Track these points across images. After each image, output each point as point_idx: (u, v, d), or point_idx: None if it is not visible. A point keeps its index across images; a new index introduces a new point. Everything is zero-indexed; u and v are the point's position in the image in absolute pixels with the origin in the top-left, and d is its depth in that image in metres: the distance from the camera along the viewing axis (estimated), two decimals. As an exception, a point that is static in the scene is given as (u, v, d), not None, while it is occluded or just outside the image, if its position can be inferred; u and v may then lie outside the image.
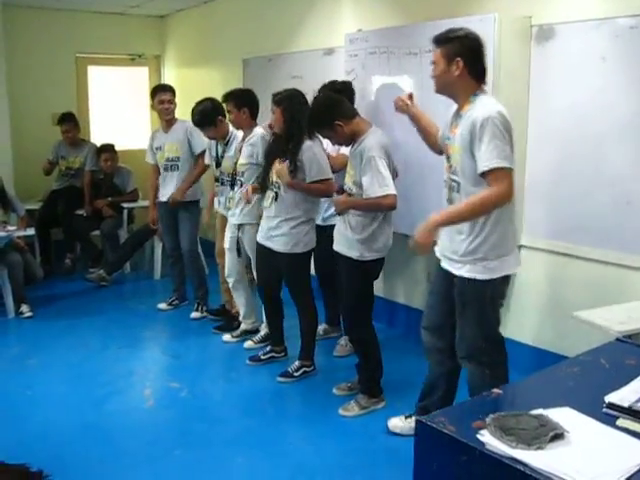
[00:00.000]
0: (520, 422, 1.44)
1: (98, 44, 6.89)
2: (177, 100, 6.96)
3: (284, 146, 3.66)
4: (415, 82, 3.93)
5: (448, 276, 2.82)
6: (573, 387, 1.74)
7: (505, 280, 2.76)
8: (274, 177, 3.72)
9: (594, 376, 1.82)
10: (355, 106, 4.10)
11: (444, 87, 2.76)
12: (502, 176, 2.49)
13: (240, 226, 4.22)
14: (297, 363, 3.84)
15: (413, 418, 3.12)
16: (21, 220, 5.33)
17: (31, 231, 5.16)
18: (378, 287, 4.18)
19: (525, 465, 1.33)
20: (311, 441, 3.21)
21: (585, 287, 3.47)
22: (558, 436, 1.41)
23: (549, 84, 3.57)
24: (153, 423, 3.38)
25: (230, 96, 4.18)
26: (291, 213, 3.69)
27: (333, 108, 3.28)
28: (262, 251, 3.89)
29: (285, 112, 3.62)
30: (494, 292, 2.75)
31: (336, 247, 3.40)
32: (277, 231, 3.73)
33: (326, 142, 3.71)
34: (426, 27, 3.87)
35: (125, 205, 6.31)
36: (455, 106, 2.82)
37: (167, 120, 5.04)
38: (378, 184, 3.11)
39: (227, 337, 4.54)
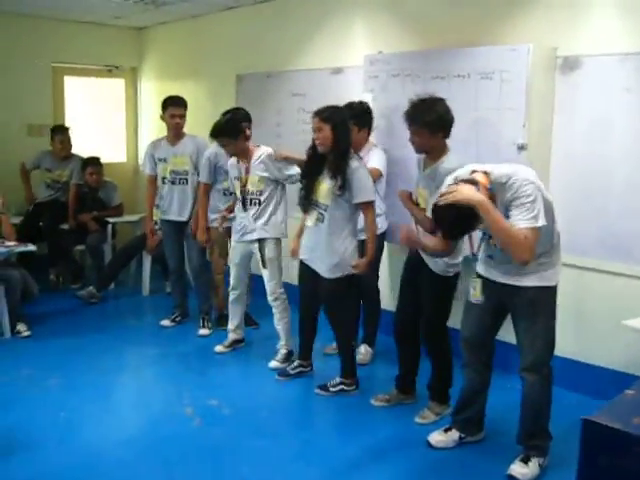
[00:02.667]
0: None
1: (75, 54, 6.73)
2: (155, 115, 6.97)
3: (332, 165, 3.65)
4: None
5: (496, 291, 2.99)
6: None
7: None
8: (318, 197, 3.74)
9: None
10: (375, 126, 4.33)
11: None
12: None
13: (260, 240, 4.26)
14: (337, 379, 3.91)
15: (454, 430, 3.28)
16: None
17: (32, 247, 4.98)
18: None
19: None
20: (374, 450, 3.28)
21: (604, 299, 3.75)
22: None
23: (573, 111, 3.83)
24: (209, 443, 3.35)
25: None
26: (336, 233, 3.71)
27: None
28: (305, 270, 3.93)
29: (336, 130, 3.63)
30: (556, 298, 2.97)
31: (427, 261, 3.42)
32: (320, 253, 3.77)
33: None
34: (456, 53, 4.10)
35: (110, 220, 6.18)
36: None
37: (176, 133, 4.98)
38: None
39: (219, 348, 4.58)
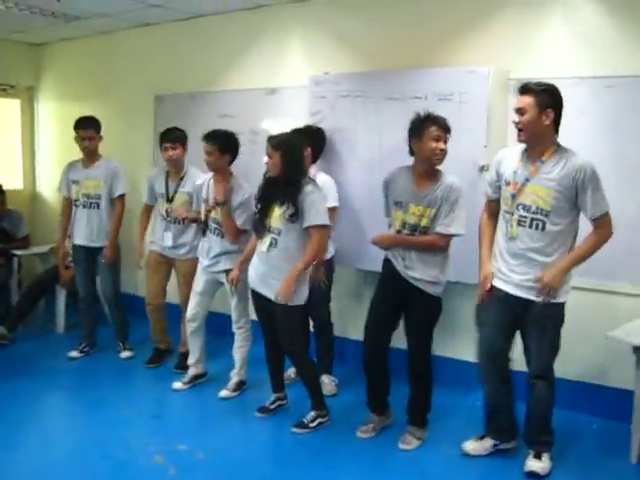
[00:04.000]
0: None
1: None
2: (55, 138, 6.48)
3: (282, 191, 3.56)
4: (399, 125, 4.08)
5: (510, 305, 3.12)
6: None
7: None
8: (272, 222, 3.61)
9: None
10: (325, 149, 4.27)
11: (530, 133, 3.03)
12: (609, 219, 2.89)
13: (227, 271, 4.09)
14: (312, 414, 3.74)
15: (488, 439, 3.38)
16: None
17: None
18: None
19: None
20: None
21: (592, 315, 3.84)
22: None
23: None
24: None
25: (216, 137, 4.01)
26: (289, 260, 3.57)
27: None
28: (259, 299, 3.74)
29: (284, 156, 3.54)
30: (564, 313, 3.10)
31: (415, 282, 3.39)
32: (273, 279, 3.60)
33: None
34: (412, 74, 4.12)
35: (17, 252, 5.61)
36: (507, 150, 3.20)
37: (89, 156, 4.76)
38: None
39: (178, 385, 4.32)
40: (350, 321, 4.70)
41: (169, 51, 5.59)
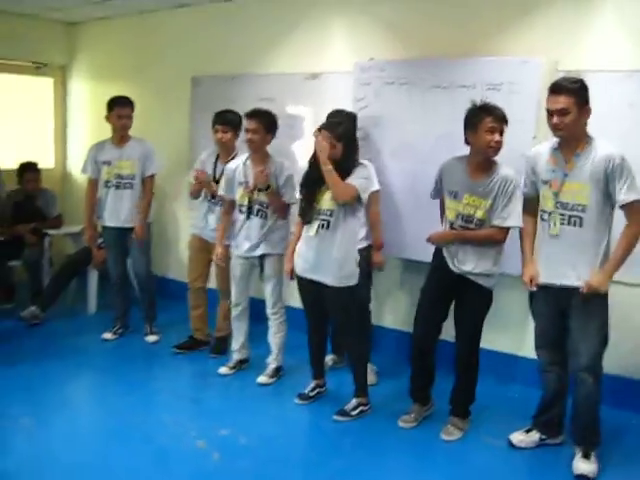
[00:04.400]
0: None
1: (-1, 47, 6.03)
2: (88, 118, 6.46)
3: (341, 173, 3.53)
4: (445, 115, 4.05)
5: (558, 297, 3.12)
6: None
7: None
8: (323, 204, 3.60)
9: None
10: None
11: (572, 133, 3.00)
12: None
13: (262, 257, 4.09)
14: (354, 401, 3.74)
15: (534, 432, 3.38)
16: None
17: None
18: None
19: None
20: (423, 472, 3.18)
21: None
22: None
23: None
24: (241, 478, 3.07)
25: (261, 115, 4.01)
26: (344, 238, 3.59)
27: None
28: (307, 284, 3.74)
29: (344, 141, 3.54)
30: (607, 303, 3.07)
31: (469, 275, 3.38)
32: (327, 261, 3.60)
33: None
34: (461, 63, 4.06)
35: (49, 232, 5.61)
36: (540, 147, 3.22)
37: (122, 135, 4.71)
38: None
39: (224, 370, 4.31)
40: (386, 310, 4.69)
41: (206, 33, 5.53)
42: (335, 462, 3.25)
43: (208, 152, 4.62)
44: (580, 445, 3.16)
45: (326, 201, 3.59)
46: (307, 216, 3.67)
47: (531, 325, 3.42)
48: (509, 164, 3.70)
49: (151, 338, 4.91)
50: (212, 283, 4.71)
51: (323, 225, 3.59)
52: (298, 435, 3.62)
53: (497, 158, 3.36)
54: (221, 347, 4.62)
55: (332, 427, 3.62)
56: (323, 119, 3.89)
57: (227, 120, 4.39)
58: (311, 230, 3.64)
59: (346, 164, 3.55)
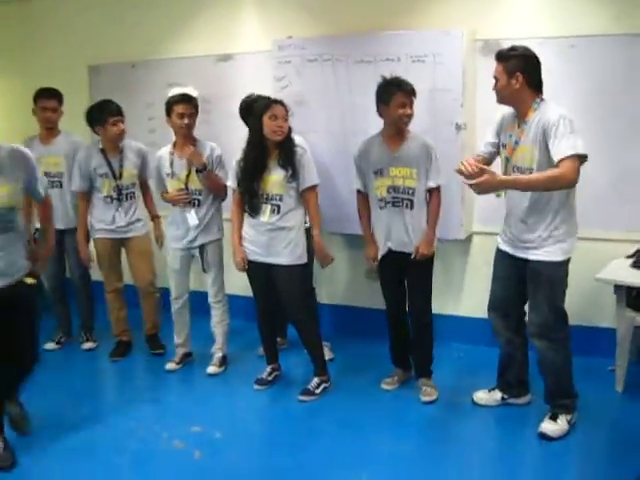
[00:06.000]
0: None
1: None
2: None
3: (283, 154, 3.57)
4: (371, 88, 4.09)
5: (514, 262, 3.22)
6: None
7: (569, 261, 3.19)
8: (271, 189, 3.59)
9: None
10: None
11: (505, 98, 3.13)
12: (570, 162, 2.88)
13: (201, 246, 4.04)
14: (316, 380, 3.77)
15: (497, 391, 3.52)
16: None
17: None
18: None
19: None
20: (406, 442, 3.25)
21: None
22: None
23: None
24: (232, 472, 3.03)
25: (193, 98, 3.97)
26: (293, 221, 3.64)
27: None
28: (257, 269, 3.72)
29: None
30: (565, 272, 3.17)
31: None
32: (280, 244, 3.62)
33: None
34: (384, 37, 4.13)
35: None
36: (506, 113, 3.26)
37: (48, 129, 4.46)
38: None
39: (171, 365, 4.21)
40: (323, 287, 4.73)
41: (100, 19, 5.23)
42: (316, 441, 3.29)
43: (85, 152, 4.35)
44: (549, 404, 3.26)
45: (273, 186, 3.59)
46: (255, 208, 3.64)
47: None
48: (437, 132, 3.91)
49: (86, 345, 4.67)
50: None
51: (274, 210, 3.60)
52: (270, 421, 3.62)
53: (419, 126, 3.59)
54: (159, 343, 4.51)
55: (300, 408, 3.64)
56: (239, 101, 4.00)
57: (120, 109, 4.23)
58: (263, 216, 3.63)
59: (289, 140, 3.61)
